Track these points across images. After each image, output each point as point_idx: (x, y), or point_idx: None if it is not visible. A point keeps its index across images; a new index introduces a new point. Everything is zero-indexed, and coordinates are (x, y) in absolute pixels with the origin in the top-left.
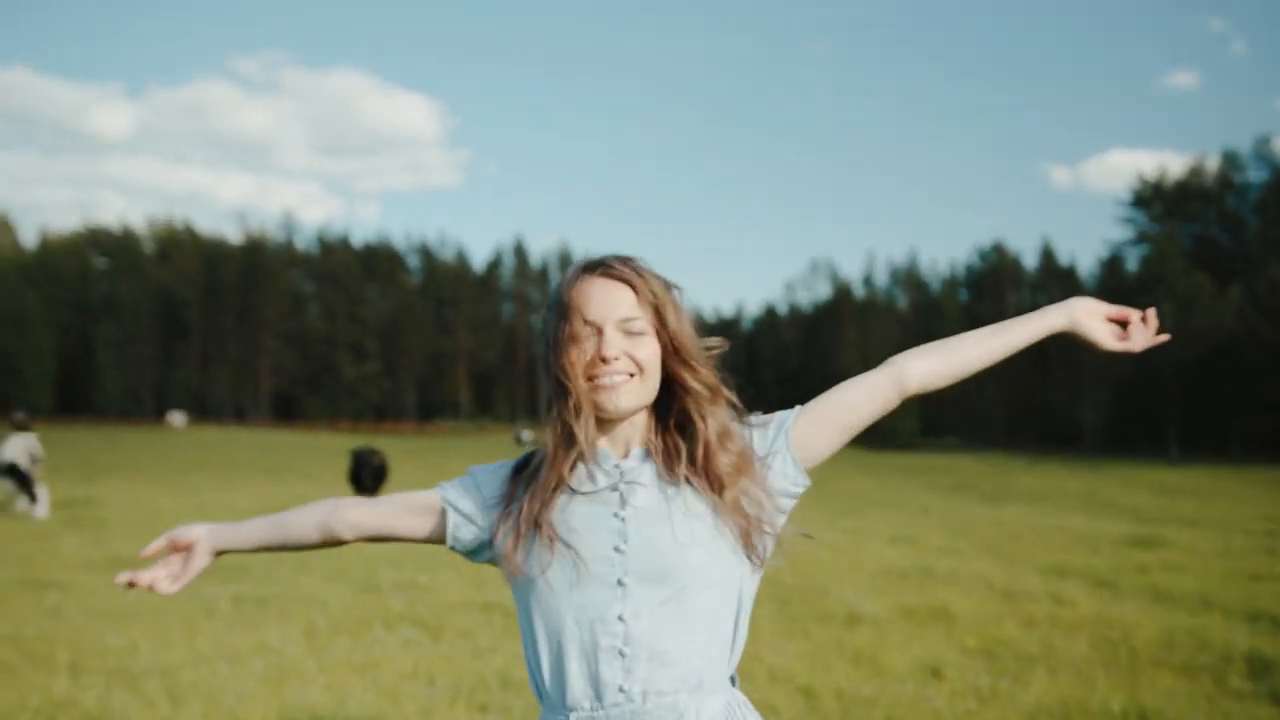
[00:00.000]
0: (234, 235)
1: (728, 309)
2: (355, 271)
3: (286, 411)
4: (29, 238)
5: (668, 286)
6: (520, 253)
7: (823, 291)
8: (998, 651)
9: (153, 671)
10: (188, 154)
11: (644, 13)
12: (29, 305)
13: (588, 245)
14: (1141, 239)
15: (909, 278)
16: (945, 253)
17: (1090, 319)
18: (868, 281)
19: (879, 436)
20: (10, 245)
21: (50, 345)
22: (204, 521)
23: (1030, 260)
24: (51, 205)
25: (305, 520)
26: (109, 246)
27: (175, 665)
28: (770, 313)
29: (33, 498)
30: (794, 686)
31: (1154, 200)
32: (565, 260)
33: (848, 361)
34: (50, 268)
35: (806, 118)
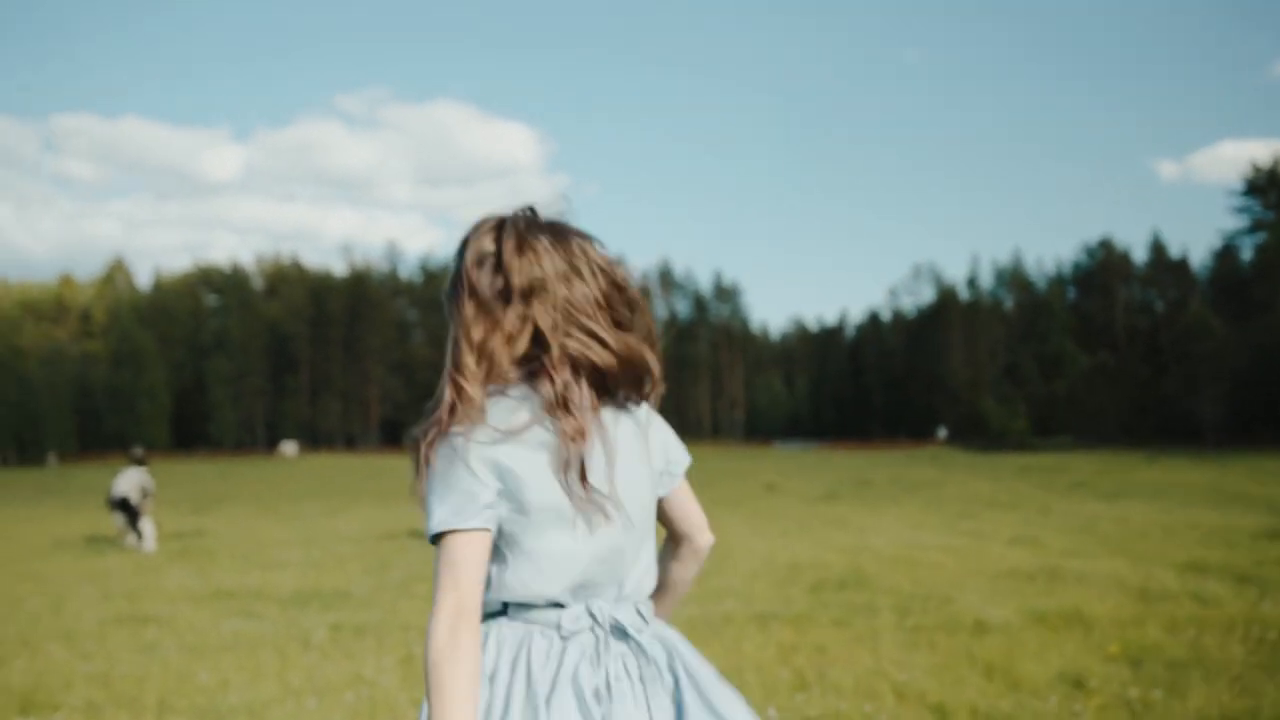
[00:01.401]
0: (340, 268)
1: (831, 317)
2: None
3: (395, 438)
4: (144, 279)
5: None
6: None
7: (926, 295)
8: (1144, 658)
9: (240, 709)
10: (294, 192)
11: (739, 23)
12: (144, 344)
13: (689, 263)
14: (1256, 227)
15: (1014, 278)
16: (1051, 251)
17: None
18: (972, 283)
19: (990, 438)
20: (126, 287)
21: (165, 382)
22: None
23: (1140, 254)
24: (165, 247)
25: (474, 667)
26: (219, 284)
27: (263, 702)
28: (874, 319)
29: (139, 533)
30: (924, 704)
31: (1268, 188)
32: (666, 278)
33: (953, 365)
34: (164, 307)
35: (905, 121)
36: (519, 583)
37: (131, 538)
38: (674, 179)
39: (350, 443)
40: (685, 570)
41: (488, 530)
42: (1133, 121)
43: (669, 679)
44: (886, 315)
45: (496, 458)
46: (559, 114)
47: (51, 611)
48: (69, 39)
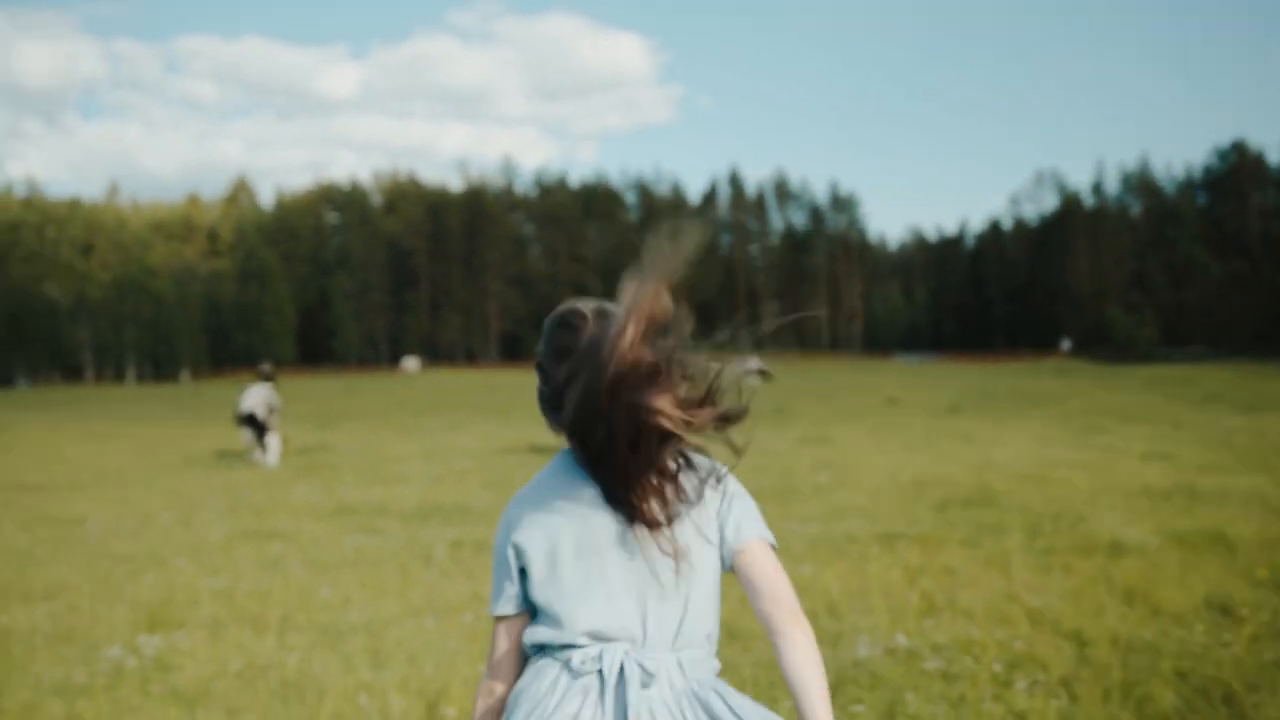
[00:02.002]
0: (456, 184)
1: (950, 226)
2: (574, 212)
3: (514, 352)
4: (266, 198)
5: None
6: (736, 183)
7: (1049, 203)
8: None
9: (360, 628)
10: (411, 108)
11: None
12: (269, 262)
13: (805, 172)
14: None
15: (1141, 183)
16: (1180, 155)
17: None
18: (1097, 190)
19: (1115, 348)
20: (250, 206)
21: (290, 299)
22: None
23: (1275, 156)
24: (286, 166)
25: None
26: (340, 202)
27: (383, 621)
28: (995, 228)
29: (263, 447)
30: (1060, 632)
31: None
32: (781, 189)
33: (1078, 274)
34: (287, 225)
35: (1026, 21)
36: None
37: (259, 453)
38: (789, 88)
39: (470, 357)
40: (784, 661)
41: None
42: (1267, 13)
43: None
44: (1008, 224)
45: None
46: (672, 23)
47: (181, 526)
48: None
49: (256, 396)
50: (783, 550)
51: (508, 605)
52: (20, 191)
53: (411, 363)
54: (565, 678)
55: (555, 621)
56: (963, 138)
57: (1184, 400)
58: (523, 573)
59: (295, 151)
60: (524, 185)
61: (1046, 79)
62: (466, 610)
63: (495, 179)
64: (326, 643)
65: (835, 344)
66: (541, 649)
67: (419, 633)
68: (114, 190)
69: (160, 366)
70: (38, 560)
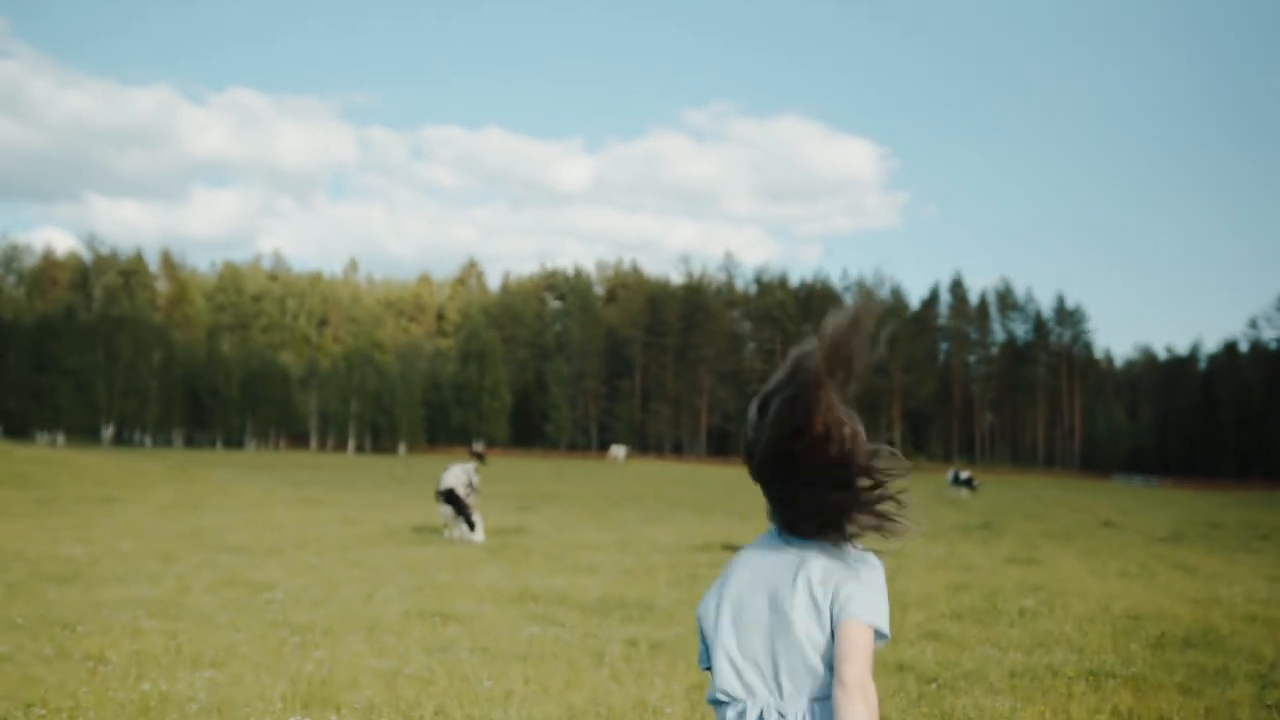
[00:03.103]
0: (677, 278)
1: (1182, 346)
2: (791, 310)
3: (722, 448)
4: (494, 283)
5: None
6: (958, 290)
7: None
8: None
9: None
10: (640, 203)
11: (1088, 37)
12: (491, 343)
13: (1030, 283)
14: None
15: None
16: None
17: None
18: None
19: None
20: (478, 288)
21: (508, 380)
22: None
23: None
24: (516, 254)
25: None
26: (563, 288)
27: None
28: (1230, 349)
29: (471, 525)
30: None
31: None
32: (1005, 299)
33: None
34: (511, 308)
35: (1271, 135)
36: None
37: (457, 530)
38: (1017, 198)
39: (678, 450)
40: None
41: None
42: None
43: None
44: (1244, 346)
45: None
46: (902, 130)
47: (363, 600)
48: (440, 54)
49: (457, 474)
50: (979, 679)
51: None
52: (267, 264)
53: (619, 451)
54: None
55: None
56: (1199, 255)
57: None
58: None
59: (525, 239)
60: (744, 282)
61: None
62: (631, 717)
63: (716, 275)
64: None
65: (1051, 460)
66: None
67: None
68: (352, 266)
69: (379, 438)
70: (217, 625)
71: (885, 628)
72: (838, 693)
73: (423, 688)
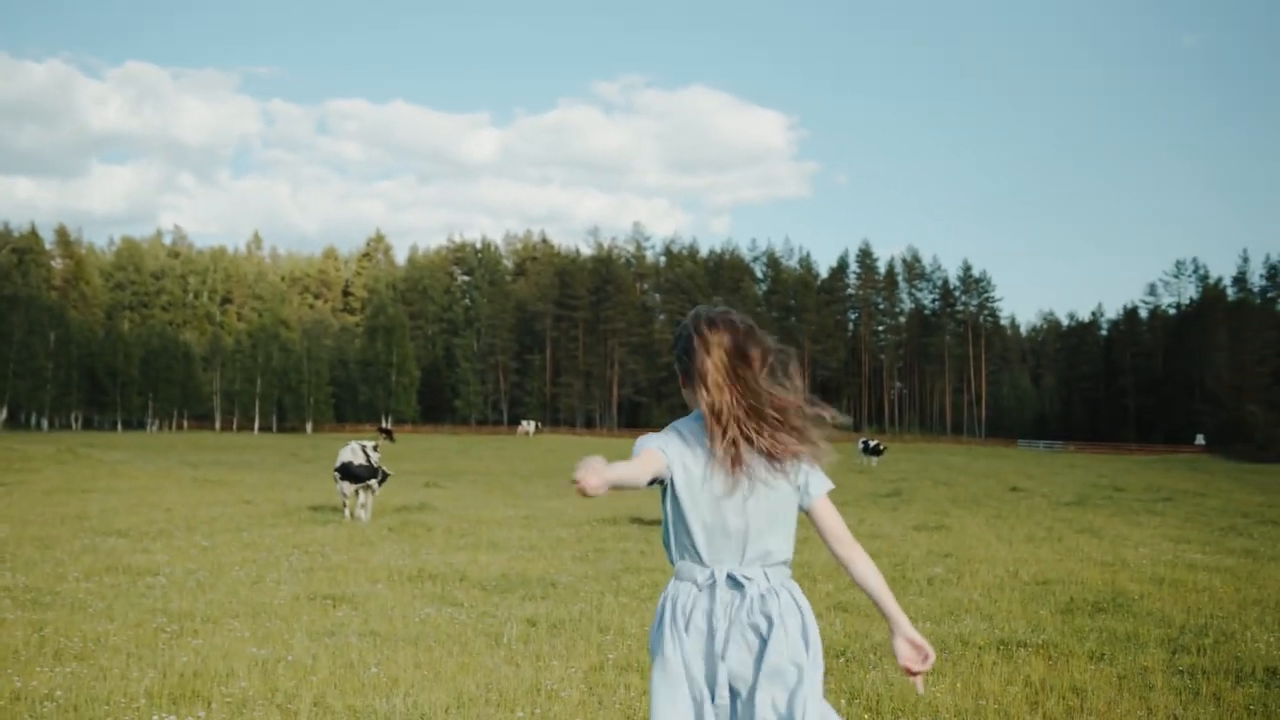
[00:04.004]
0: (587, 250)
1: (1084, 313)
2: (701, 281)
3: (634, 420)
4: (404, 258)
5: None
6: (866, 260)
7: (1189, 293)
8: None
9: (399, 718)
10: (549, 175)
11: (992, 14)
12: (398, 318)
13: (937, 251)
14: None
15: None
16: None
17: (899, 639)
18: (1240, 281)
19: (1254, 447)
20: (385, 263)
21: (415, 356)
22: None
23: None
24: (424, 228)
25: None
26: (470, 262)
27: (424, 712)
28: (1131, 316)
29: (382, 480)
30: None
31: None
32: (912, 268)
33: (1216, 368)
34: (418, 283)
35: (1172, 108)
36: None
37: (355, 509)
38: (925, 168)
39: (590, 423)
40: (852, 571)
41: None
42: None
43: (763, 621)
44: (1144, 312)
45: None
46: (811, 101)
47: (250, 584)
48: (345, 29)
49: (354, 449)
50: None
51: (651, 443)
52: (168, 241)
53: (529, 425)
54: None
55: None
56: (1101, 222)
57: None
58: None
59: (434, 213)
60: (654, 254)
61: (1189, 165)
62: (522, 706)
63: (625, 247)
64: None
65: (958, 427)
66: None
67: None
68: (256, 242)
69: (286, 417)
70: (90, 614)
71: (833, 485)
72: (842, 548)
73: (303, 677)
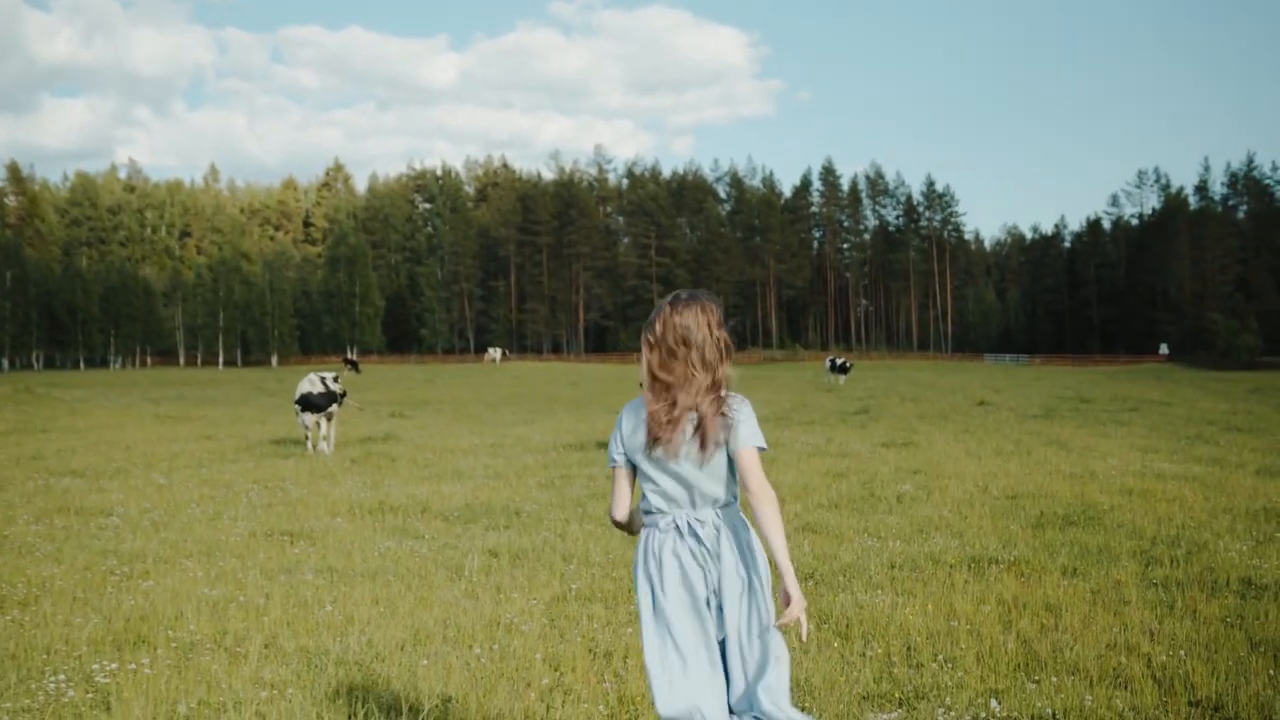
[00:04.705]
0: (549, 175)
1: (1046, 225)
2: (664, 203)
3: (600, 345)
4: (364, 187)
5: None
6: (829, 177)
7: (1151, 203)
8: None
9: (348, 659)
10: (510, 99)
11: None
12: (359, 248)
13: (900, 168)
14: None
15: (1249, 183)
16: None
17: (780, 590)
18: (1202, 190)
19: (1216, 355)
20: (345, 192)
21: (378, 286)
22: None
23: None
24: (384, 155)
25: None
26: (432, 190)
27: (379, 651)
28: (1094, 228)
29: (326, 437)
30: (1195, 701)
31: None
32: (876, 184)
33: (1179, 277)
34: (379, 212)
35: (1132, 18)
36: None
37: (318, 441)
38: (887, 84)
39: (557, 349)
40: (756, 521)
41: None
42: None
43: (718, 552)
44: (1107, 224)
45: None
46: (772, 18)
47: (207, 521)
48: None
49: (313, 379)
50: (858, 573)
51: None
52: (123, 175)
53: (495, 353)
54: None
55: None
56: (1063, 136)
57: None
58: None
59: (393, 141)
60: (616, 176)
61: (1150, 76)
62: (480, 641)
63: (587, 170)
64: (306, 677)
65: (925, 343)
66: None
67: (412, 669)
68: (213, 174)
69: (250, 351)
70: (37, 557)
71: (764, 444)
72: (750, 498)
73: (255, 617)
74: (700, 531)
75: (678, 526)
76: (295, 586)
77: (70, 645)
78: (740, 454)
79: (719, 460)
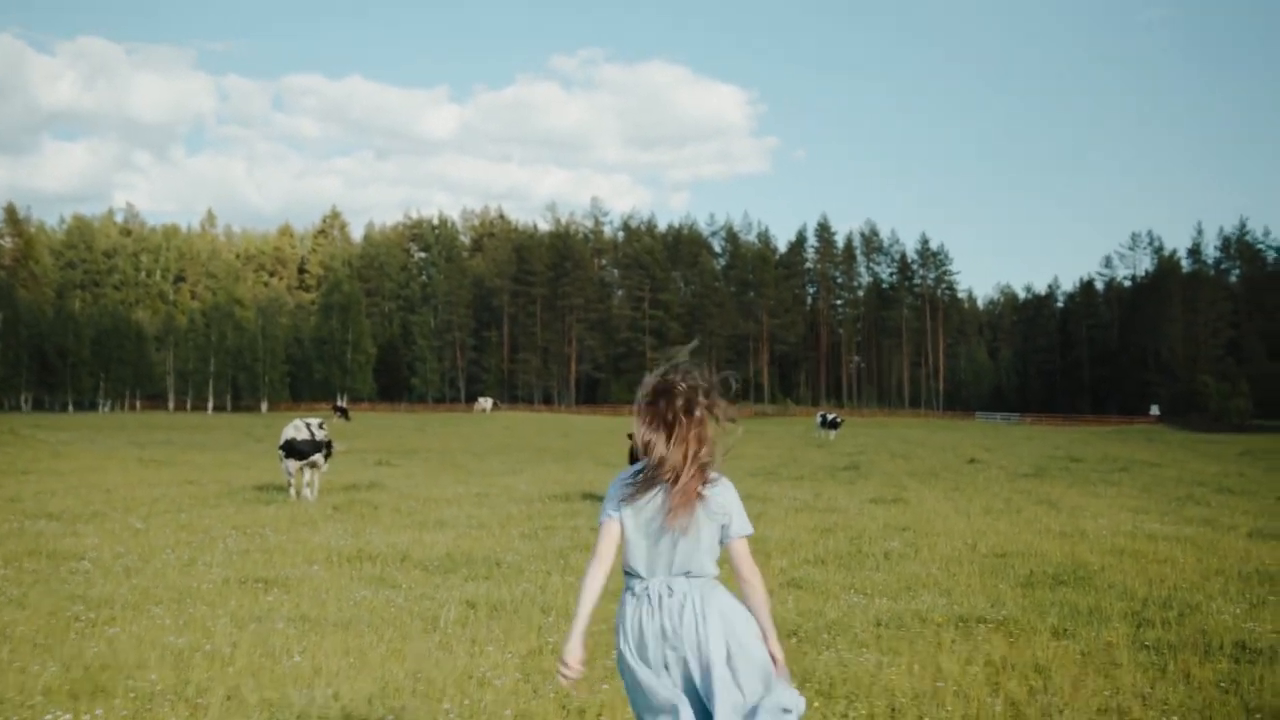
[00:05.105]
0: (545, 226)
1: (1040, 286)
2: (659, 256)
3: (591, 396)
4: (359, 235)
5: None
6: (824, 234)
7: (1144, 265)
8: None
9: (311, 713)
10: (509, 152)
11: None
12: (353, 295)
13: (895, 226)
14: None
15: (1241, 248)
16: None
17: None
18: (1195, 253)
19: (1207, 417)
20: (341, 239)
21: (371, 333)
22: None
23: None
24: (382, 205)
25: (599, 591)
26: (428, 239)
27: (345, 705)
28: (1087, 289)
29: (328, 454)
30: None
31: None
32: (870, 241)
33: (1171, 339)
34: (374, 261)
35: (1130, 82)
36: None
37: (301, 488)
38: (882, 143)
39: (548, 399)
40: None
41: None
42: None
43: (689, 616)
44: (1100, 285)
45: None
46: (770, 76)
47: (181, 567)
48: (301, 3)
49: (298, 425)
50: (844, 629)
51: (605, 515)
52: (120, 219)
53: (485, 402)
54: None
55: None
56: (1057, 197)
57: None
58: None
59: (392, 190)
60: (612, 229)
61: (1145, 140)
62: (450, 696)
63: (583, 222)
64: None
65: (916, 401)
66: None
67: None
68: (210, 219)
69: (240, 396)
70: (1, 601)
71: (751, 530)
72: (744, 586)
73: (219, 667)
74: (676, 596)
75: (649, 590)
76: (265, 635)
77: (24, 694)
78: (734, 544)
79: (711, 536)
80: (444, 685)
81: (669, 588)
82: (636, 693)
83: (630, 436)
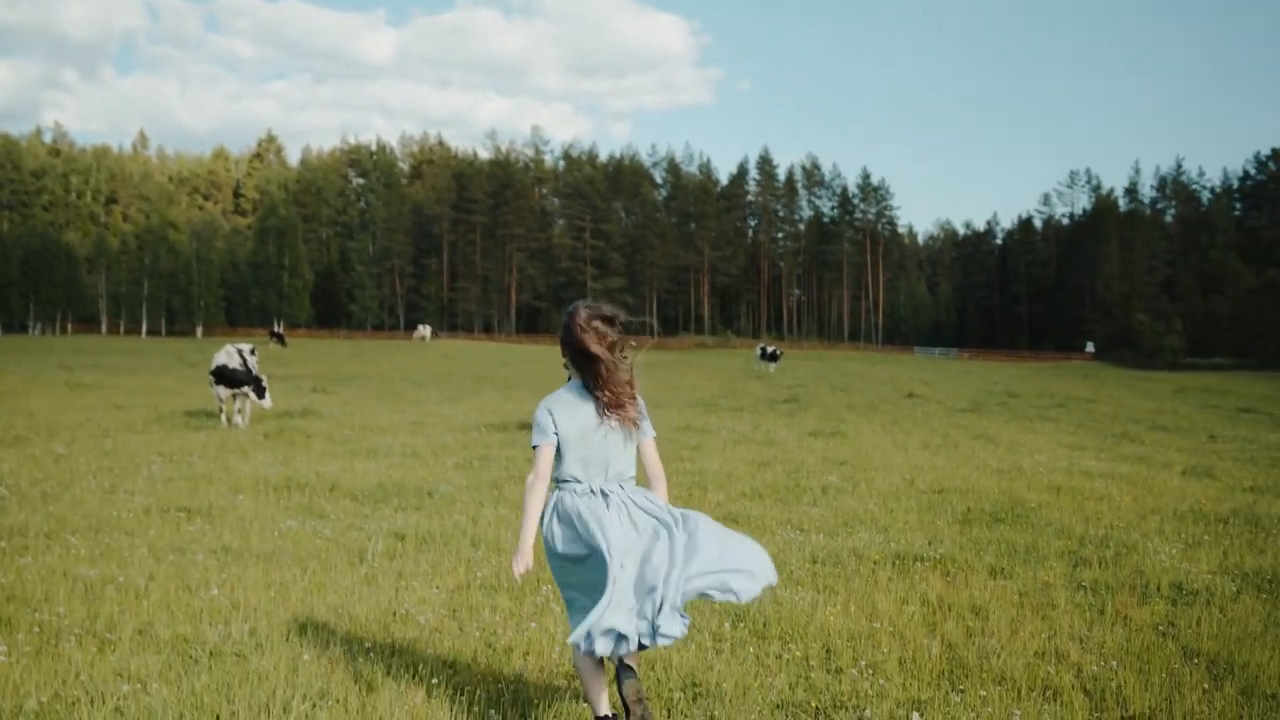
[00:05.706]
0: (485, 154)
1: (979, 222)
2: (600, 186)
3: (532, 326)
4: (296, 159)
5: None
6: (766, 167)
7: (1082, 203)
8: None
9: (226, 650)
10: (448, 78)
11: None
12: (289, 221)
13: (837, 160)
14: None
15: (1177, 188)
16: (1217, 161)
17: None
18: (1132, 192)
19: (1142, 355)
20: (277, 164)
21: (308, 259)
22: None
23: None
24: (319, 129)
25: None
26: (366, 164)
27: (259, 640)
28: (1025, 225)
29: (260, 392)
30: (1132, 717)
31: None
32: (811, 174)
33: (1107, 277)
34: (311, 186)
35: (1068, 21)
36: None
37: (232, 415)
38: (826, 76)
39: (488, 328)
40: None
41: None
42: None
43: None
44: (1039, 222)
45: None
46: (714, 7)
47: (102, 494)
48: None
49: (230, 351)
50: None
51: (543, 438)
52: (48, 138)
53: (424, 330)
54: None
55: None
56: (997, 134)
57: (1216, 411)
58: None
59: (329, 115)
60: (553, 158)
61: (1085, 79)
62: (374, 631)
63: (524, 151)
64: (177, 669)
65: (856, 335)
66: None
67: (292, 665)
68: (142, 140)
69: (175, 320)
70: None
71: (655, 433)
72: (655, 482)
73: (133, 600)
74: (610, 495)
75: (590, 490)
76: (183, 567)
77: None
78: (645, 444)
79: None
80: (366, 621)
81: (604, 490)
82: (561, 564)
83: (566, 367)
